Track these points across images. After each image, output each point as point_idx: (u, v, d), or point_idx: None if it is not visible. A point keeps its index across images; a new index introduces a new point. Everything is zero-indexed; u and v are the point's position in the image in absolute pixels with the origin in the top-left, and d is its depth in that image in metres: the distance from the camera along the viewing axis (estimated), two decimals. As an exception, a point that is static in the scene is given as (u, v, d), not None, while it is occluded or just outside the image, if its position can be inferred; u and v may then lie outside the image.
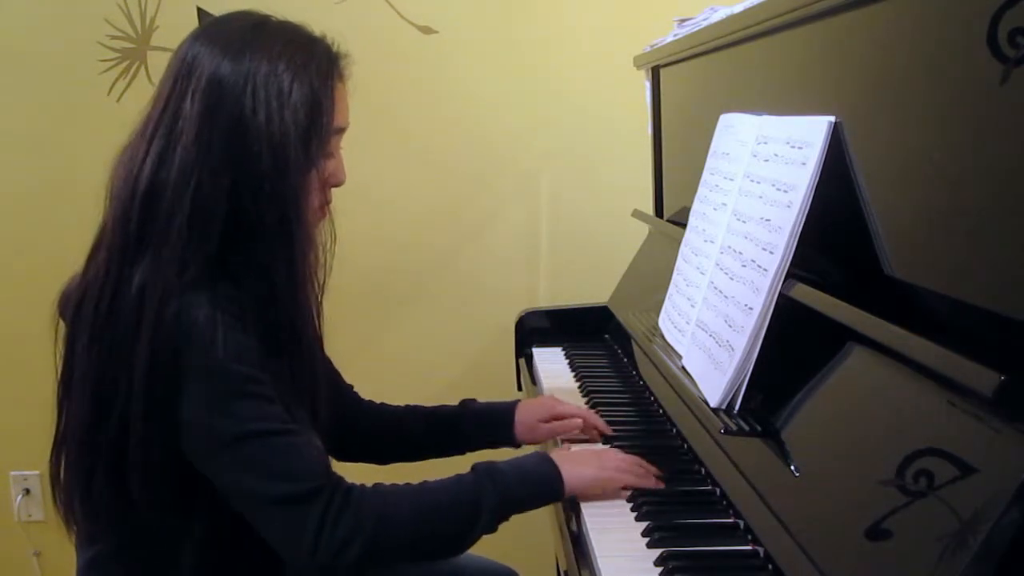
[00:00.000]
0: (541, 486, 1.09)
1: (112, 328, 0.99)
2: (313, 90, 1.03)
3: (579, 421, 1.35)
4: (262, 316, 1.02)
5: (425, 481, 1.07)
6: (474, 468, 1.09)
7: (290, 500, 0.97)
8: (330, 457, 1.25)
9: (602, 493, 1.12)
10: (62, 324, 1.09)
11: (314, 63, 1.04)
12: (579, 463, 1.12)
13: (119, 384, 0.98)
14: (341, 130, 1.10)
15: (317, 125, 1.03)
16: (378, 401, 1.41)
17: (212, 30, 1.05)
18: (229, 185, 1.00)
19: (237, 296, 1.01)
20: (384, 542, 0.99)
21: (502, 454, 1.22)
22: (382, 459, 1.39)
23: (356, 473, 1.31)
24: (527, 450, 1.37)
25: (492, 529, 1.05)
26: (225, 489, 1.00)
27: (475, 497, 1.04)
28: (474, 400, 1.41)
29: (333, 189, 1.12)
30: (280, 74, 1.01)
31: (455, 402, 1.43)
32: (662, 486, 1.14)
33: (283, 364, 1.06)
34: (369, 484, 1.05)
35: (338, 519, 0.97)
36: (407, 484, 1.05)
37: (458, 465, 1.34)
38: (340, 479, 1.02)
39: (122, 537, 1.07)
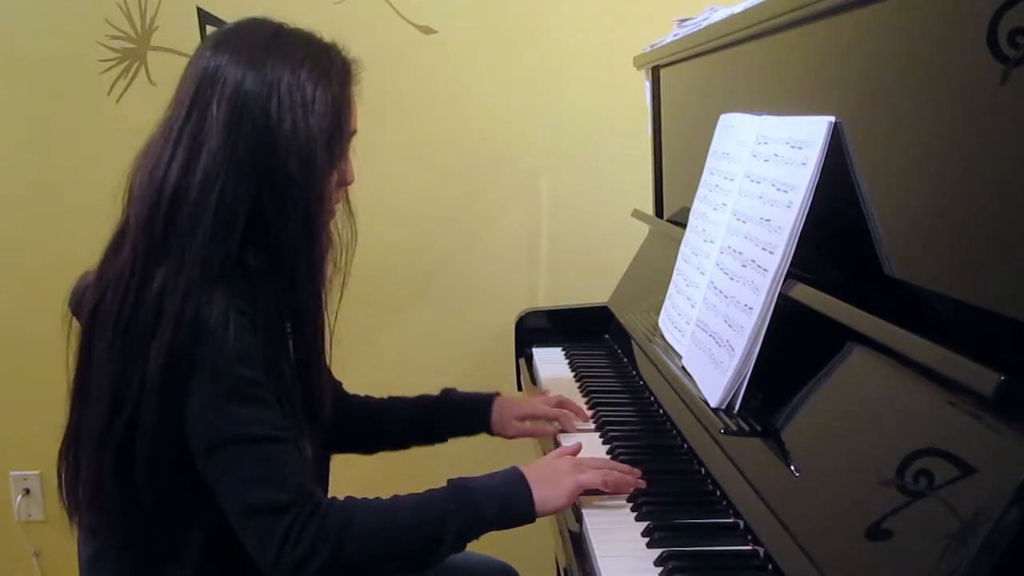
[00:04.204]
0: (511, 510, 1.07)
1: (134, 326, 1.02)
2: (335, 97, 1.07)
3: (552, 427, 1.39)
4: (279, 314, 1.06)
5: (397, 496, 1.07)
6: (448, 484, 1.09)
7: (263, 509, 1.00)
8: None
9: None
10: (74, 321, 1.11)
11: (333, 71, 1.09)
12: (554, 484, 1.09)
13: (134, 379, 1.01)
14: (354, 133, 1.14)
15: (339, 130, 1.08)
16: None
17: (231, 39, 1.08)
18: (253, 189, 1.03)
19: (253, 295, 1.04)
20: (344, 560, 1.01)
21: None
22: (368, 449, 1.43)
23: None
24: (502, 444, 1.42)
25: (459, 549, 1.06)
26: (212, 487, 1.02)
27: (441, 518, 1.04)
28: (454, 390, 1.44)
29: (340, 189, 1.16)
30: (303, 83, 1.05)
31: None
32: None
33: (294, 362, 1.09)
34: (344, 496, 1.07)
35: (301, 534, 0.99)
36: (378, 500, 1.06)
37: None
38: (314, 493, 1.03)
39: (128, 531, 1.08)
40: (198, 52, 1.09)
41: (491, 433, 1.42)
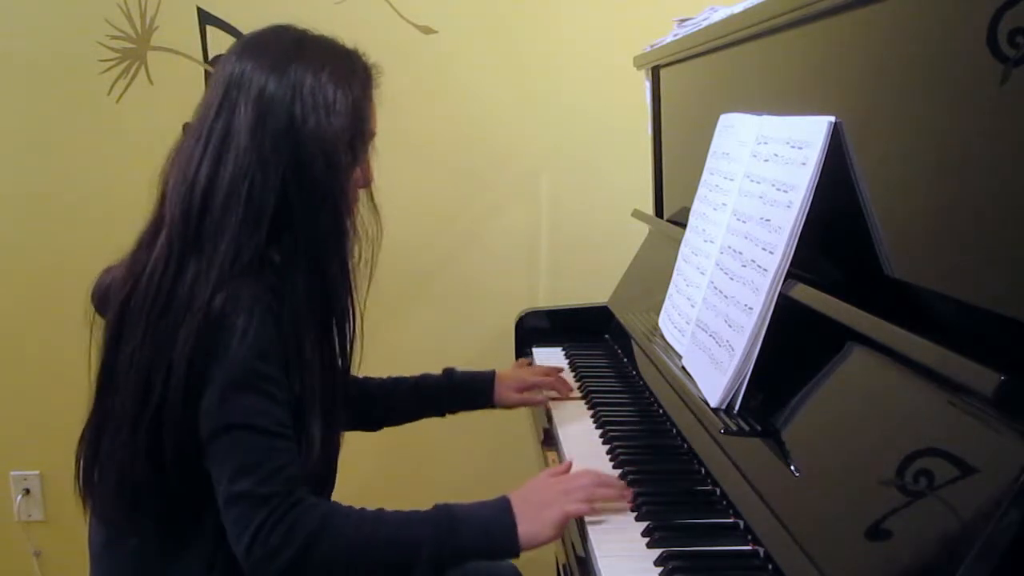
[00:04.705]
0: (493, 544, 1.06)
1: (166, 316, 1.05)
2: (355, 99, 1.13)
3: (542, 398, 1.52)
4: (309, 309, 1.09)
5: (382, 510, 1.07)
6: (433, 509, 1.07)
7: (245, 497, 1.01)
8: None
9: None
10: (97, 318, 1.15)
11: (354, 75, 1.14)
12: (539, 520, 1.06)
13: (163, 368, 1.04)
14: (375, 134, 1.20)
15: (360, 131, 1.14)
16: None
17: (255, 46, 1.14)
18: (280, 185, 1.08)
19: (281, 289, 1.08)
20: (313, 561, 1.01)
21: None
22: (372, 427, 1.50)
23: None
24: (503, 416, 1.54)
25: (435, 573, 1.04)
26: (209, 471, 1.04)
27: (418, 542, 1.03)
28: (455, 370, 1.54)
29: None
30: (324, 85, 1.10)
31: None
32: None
33: (321, 357, 1.12)
34: (337, 499, 1.08)
35: (274, 528, 1.00)
36: (363, 510, 1.06)
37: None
38: (297, 490, 1.03)
39: (143, 518, 1.10)
40: (225, 58, 1.14)
41: (493, 407, 1.53)
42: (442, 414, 1.52)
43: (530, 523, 1.06)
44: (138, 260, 1.11)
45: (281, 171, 1.08)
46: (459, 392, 1.51)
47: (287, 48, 1.12)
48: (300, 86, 1.09)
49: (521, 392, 1.52)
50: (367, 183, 1.21)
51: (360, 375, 1.46)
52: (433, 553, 1.03)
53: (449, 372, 1.53)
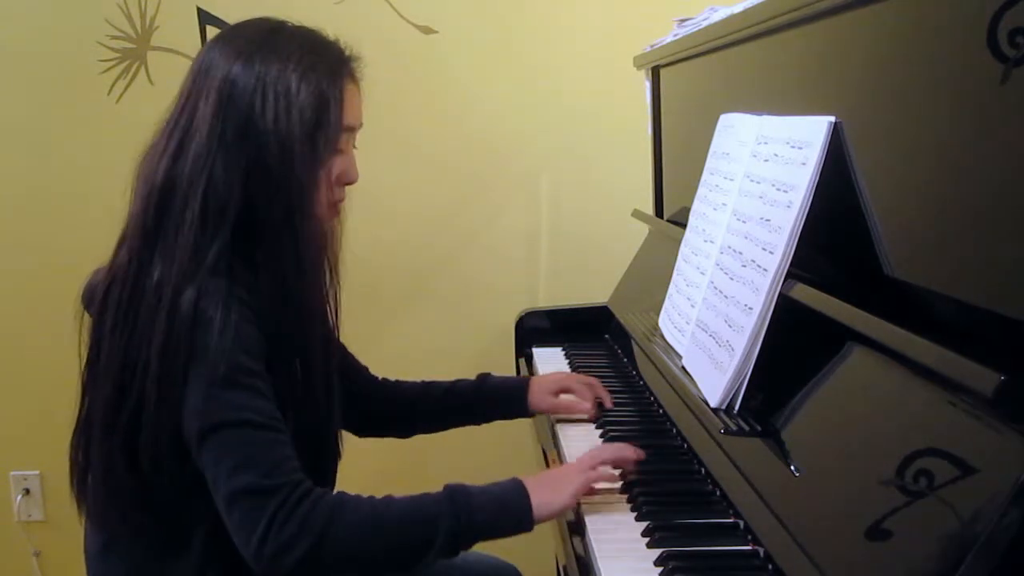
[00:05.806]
0: (508, 517, 1.05)
1: (134, 313, 1.04)
2: (320, 90, 1.08)
3: (587, 405, 1.42)
4: (276, 309, 1.07)
5: (391, 496, 1.05)
6: (445, 488, 1.06)
7: (249, 492, 0.98)
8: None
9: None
10: (86, 318, 1.13)
11: (323, 64, 1.10)
12: (555, 489, 1.07)
13: (138, 367, 1.02)
14: (352, 129, 1.14)
15: (324, 123, 1.08)
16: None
17: (229, 35, 1.12)
18: (242, 179, 1.05)
19: (257, 287, 1.05)
20: (329, 551, 0.98)
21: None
22: (404, 433, 1.47)
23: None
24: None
25: (451, 553, 1.03)
26: (203, 472, 1.01)
27: (433, 519, 1.02)
28: (490, 375, 1.46)
29: (346, 188, 1.17)
30: (289, 75, 1.07)
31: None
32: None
33: (296, 358, 1.10)
34: (345, 491, 1.05)
35: (287, 521, 0.97)
36: (371, 497, 1.04)
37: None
38: (303, 481, 1.01)
39: (135, 521, 1.08)
40: (199, 51, 1.12)
41: (529, 416, 1.45)
42: (478, 422, 1.45)
43: (543, 494, 1.06)
44: (115, 260, 1.10)
45: (243, 163, 1.05)
46: (491, 398, 1.44)
47: (257, 38, 1.09)
48: (264, 75, 1.06)
49: (557, 395, 1.44)
50: (349, 182, 1.15)
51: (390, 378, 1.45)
52: (448, 530, 1.01)
53: (483, 377, 1.46)
